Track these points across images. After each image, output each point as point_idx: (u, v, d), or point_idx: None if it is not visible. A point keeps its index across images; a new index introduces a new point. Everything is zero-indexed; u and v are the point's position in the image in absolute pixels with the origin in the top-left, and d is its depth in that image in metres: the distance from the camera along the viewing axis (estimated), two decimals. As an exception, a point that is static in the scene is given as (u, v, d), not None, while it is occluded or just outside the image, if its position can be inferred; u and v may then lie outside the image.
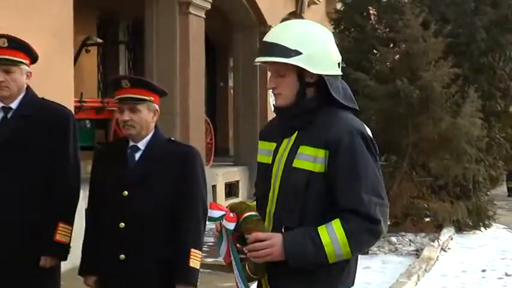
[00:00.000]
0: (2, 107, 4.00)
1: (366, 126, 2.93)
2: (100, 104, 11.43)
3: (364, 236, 2.77)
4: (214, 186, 12.52)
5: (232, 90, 17.71)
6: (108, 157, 3.97)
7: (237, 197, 14.31)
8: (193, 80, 11.49)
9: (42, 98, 4.15)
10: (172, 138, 4.02)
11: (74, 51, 8.35)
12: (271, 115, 15.02)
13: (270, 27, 14.71)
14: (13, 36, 4.02)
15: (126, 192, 3.73)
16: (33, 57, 4.08)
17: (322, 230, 2.75)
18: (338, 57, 2.93)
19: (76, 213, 4.16)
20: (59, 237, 3.99)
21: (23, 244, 3.95)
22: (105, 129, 11.60)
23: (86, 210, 4.06)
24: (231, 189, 14.15)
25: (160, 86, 3.97)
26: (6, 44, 3.93)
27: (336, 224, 2.75)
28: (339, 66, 2.93)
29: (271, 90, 2.92)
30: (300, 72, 2.84)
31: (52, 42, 7.22)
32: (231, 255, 2.94)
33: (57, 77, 6.73)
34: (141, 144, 3.82)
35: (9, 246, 3.93)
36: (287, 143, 2.90)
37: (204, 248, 4.00)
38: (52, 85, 5.65)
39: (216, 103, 18.88)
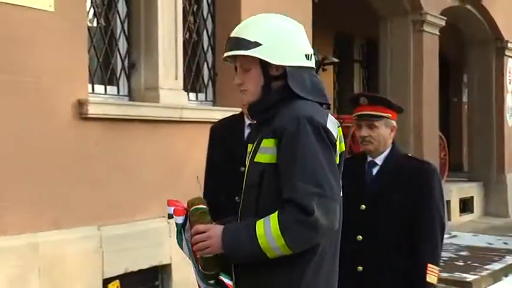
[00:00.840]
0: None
1: (328, 114, 2.74)
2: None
3: (295, 226, 2.54)
4: (448, 202, 12.40)
5: (466, 106, 17.48)
6: (346, 171, 4.22)
7: (472, 212, 14.12)
8: (426, 96, 11.57)
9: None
10: (410, 154, 4.08)
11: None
12: (507, 131, 14.70)
13: (506, 42, 14.42)
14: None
15: (363, 206, 3.88)
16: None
17: (260, 222, 2.59)
18: (306, 50, 2.78)
19: None
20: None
21: None
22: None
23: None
24: (466, 205, 14.00)
25: (397, 103, 4.05)
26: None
27: (274, 215, 2.58)
28: (308, 58, 2.78)
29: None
30: (264, 65, 2.71)
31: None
32: (187, 251, 2.92)
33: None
34: (379, 160, 3.98)
35: None
36: (257, 140, 2.77)
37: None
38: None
39: (449, 119, 18.68)
